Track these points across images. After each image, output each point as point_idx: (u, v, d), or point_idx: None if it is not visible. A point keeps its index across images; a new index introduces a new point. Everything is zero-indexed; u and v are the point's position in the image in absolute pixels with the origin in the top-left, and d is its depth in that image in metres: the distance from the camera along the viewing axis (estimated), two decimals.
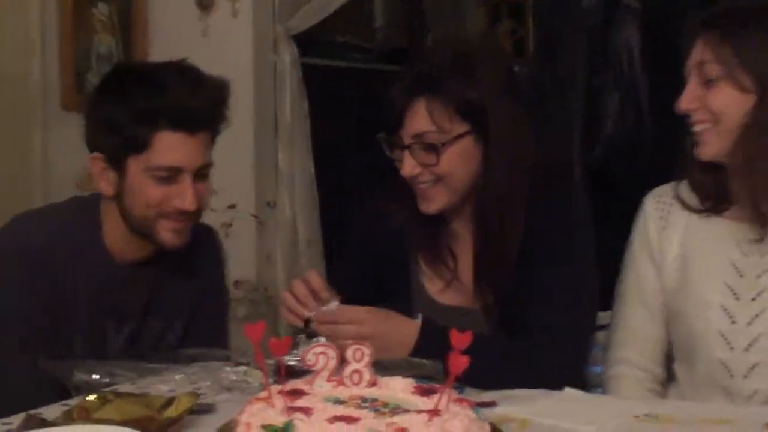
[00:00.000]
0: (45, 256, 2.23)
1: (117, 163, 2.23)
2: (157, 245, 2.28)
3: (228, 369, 1.91)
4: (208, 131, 2.26)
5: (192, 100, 2.21)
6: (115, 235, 2.30)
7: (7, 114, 4.08)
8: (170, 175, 2.20)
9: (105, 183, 2.26)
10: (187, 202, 2.21)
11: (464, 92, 2.10)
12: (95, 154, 2.25)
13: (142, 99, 2.20)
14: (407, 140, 2.12)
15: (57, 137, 4.20)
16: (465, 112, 2.10)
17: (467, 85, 2.10)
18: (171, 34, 4.12)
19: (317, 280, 2.13)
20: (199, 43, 4.02)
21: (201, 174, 2.25)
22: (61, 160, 4.16)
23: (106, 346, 2.30)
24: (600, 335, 2.31)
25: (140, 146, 2.18)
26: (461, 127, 2.10)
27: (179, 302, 2.42)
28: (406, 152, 2.12)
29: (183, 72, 2.24)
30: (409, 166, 2.12)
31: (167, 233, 2.24)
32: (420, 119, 2.10)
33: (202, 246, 2.46)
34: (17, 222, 2.34)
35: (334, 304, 2.06)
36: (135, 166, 2.20)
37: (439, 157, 2.09)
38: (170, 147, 2.19)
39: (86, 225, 2.31)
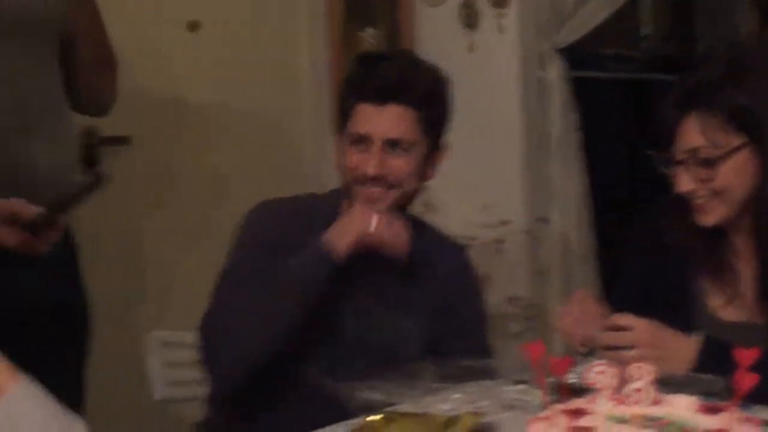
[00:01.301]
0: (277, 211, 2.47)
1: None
2: None
3: (507, 387, 1.91)
4: (399, 103, 2.35)
5: (378, 74, 2.38)
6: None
7: (279, 148, 4.17)
8: (361, 142, 2.35)
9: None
10: (371, 167, 2.32)
11: (739, 103, 2.04)
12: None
13: (352, 77, 2.47)
14: (680, 156, 2.08)
15: (329, 160, 4.18)
16: (740, 123, 2.04)
17: (742, 96, 2.05)
18: (438, 52, 3.94)
19: (590, 302, 2.14)
20: (466, 59, 4.01)
21: (394, 146, 2.35)
22: (334, 183, 4.19)
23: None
24: None
25: (346, 118, 2.39)
26: (737, 140, 2.04)
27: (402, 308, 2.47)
28: (681, 168, 2.08)
29: (395, 54, 2.55)
30: (684, 183, 2.08)
31: (361, 201, 2.36)
32: (693, 135, 2.06)
33: (444, 256, 2.54)
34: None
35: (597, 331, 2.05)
36: (344, 136, 2.41)
37: (714, 173, 2.04)
38: (362, 117, 2.36)
39: (329, 207, 2.48)
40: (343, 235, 2.27)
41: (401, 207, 2.42)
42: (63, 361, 2.58)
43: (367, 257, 2.37)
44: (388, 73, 2.39)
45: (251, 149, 3.95)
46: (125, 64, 3.60)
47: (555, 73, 3.98)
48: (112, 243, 3.56)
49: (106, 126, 3.51)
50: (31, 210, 2.16)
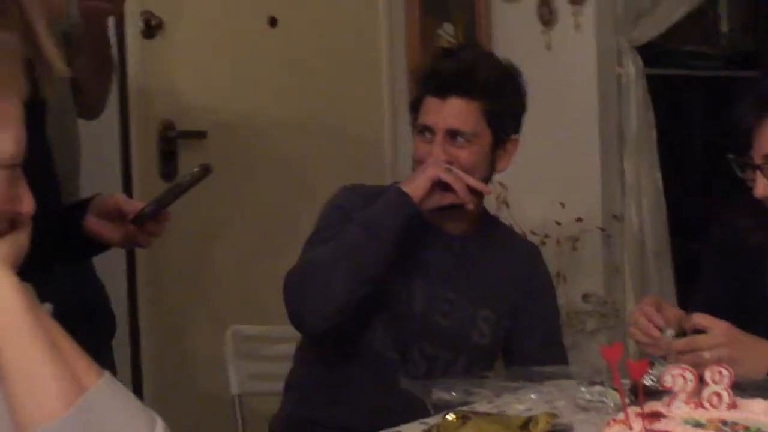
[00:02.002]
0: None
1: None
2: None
3: (583, 389, 1.91)
4: (460, 95, 2.39)
5: (440, 68, 2.47)
6: None
7: (356, 142, 4.18)
8: (426, 133, 2.42)
9: None
10: (433, 156, 2.37)
11: None
12: None
13: (425, 73, 2.53)
14: (758, 160, 2.06)
15: (407, 153, 4.21)
16: None
17: None
18: (515, 49, 3.92)
19: (663, 305, 2.13)
20: (543, 56, 4.02)
21: (454, 136, 2.39)
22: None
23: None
24: None
25: (414, 112, 2.47)
26: None
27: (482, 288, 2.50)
28: (758, 173, 2.06)
29: (461, 49, 2.58)
30: (762, 187, 2.06)
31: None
32: None
33: (518, 249, 2.59)
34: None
35: (670, 332, 2.05)
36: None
37: None
38: (427, 109, 2.43)
39: None
40: (415, 179, 2.33)
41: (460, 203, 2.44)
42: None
43: (443, 242, 2.43)
44: (451, 66, 2.46)
45: (329, 143, 3.97)
46: (205, 58, 3.64)
47: (632, 70, 3.97)
48: (190, 237, 3.60)
49: (184, 120, 3.57)
50: (135, 204, 2.18)
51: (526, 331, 2.50)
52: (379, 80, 4.20)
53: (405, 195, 2.32)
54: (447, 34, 4.25)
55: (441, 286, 2.44)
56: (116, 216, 2.14)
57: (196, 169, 2.17)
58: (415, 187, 2.31)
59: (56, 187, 2.29)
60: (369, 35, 4.18)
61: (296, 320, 2.35)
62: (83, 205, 2.10)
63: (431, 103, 2.42)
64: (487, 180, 2.47)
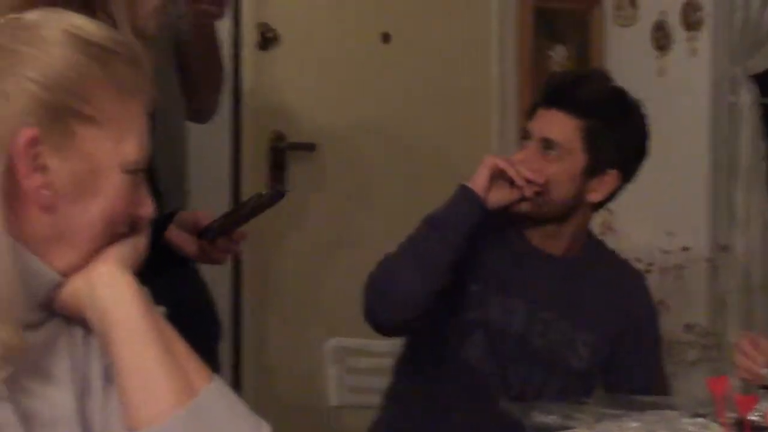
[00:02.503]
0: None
1: None
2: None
3: (686, 420, 1.90)
4: (562, 109, 2.41)
5: (552, 82, 2.56)
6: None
7: (465, 159, 4.15)
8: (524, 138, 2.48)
9: None
10: (518, 155, 2.43)
11: None
12: None
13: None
14: None
15: None
16: None
17: None
18: (627, 74, 3.91)
19: (755, 346, 2.11)
20: (655, 82, 4.02)
21: (547, 147, 2.40)
22: None
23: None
24: None
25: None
26: None
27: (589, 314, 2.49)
28: None
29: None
30: None
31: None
32: None
33: (623, 275, 2.58)
34: None
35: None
36: None
37: None
38: (535, 119, 2.45)
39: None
40: (478, 173, 2.35)
41: (548, 218, 2.45)
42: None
43: (546, 263, 2.44)
44: (562, 79, 2.56)
45: (437, 161, 3.99)
46: (318, 71, 3.72)
47: (747, 98, 3.96)
48: (295, 247, 3.66)
49: (294, 132, 3.65)
50: (207, 219, 2.22)
51: (629, 359, 2.49)
52: (488, 98, 4.21)
53: (467, 188, 2.35)
54: (558, 55, 4.27)
55: (542, 307, 2.44)
56: (194, 230, 2.19)
57: (269, 191, 2.20)
58: (476, 178, 2.35)
59: (159, 192, 2.34)
60: (481, 54, 4.19)
61: (370, 317, 2.39)
62: (168, 217, 2.15)
63: (537, 113, 2.46)
64: (572, 204, 2.45)
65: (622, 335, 2.49)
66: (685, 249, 3.81)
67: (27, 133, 1.29)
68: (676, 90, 3.96)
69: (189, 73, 2.87)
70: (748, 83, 3.96)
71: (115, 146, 1.33)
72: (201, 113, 2.99)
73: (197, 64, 2.85)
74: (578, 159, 2.40)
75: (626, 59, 4.18)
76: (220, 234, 2.17)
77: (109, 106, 1.33)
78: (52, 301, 1.36)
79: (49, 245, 1.34)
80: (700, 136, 3.95)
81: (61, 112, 1.31)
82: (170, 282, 2.16)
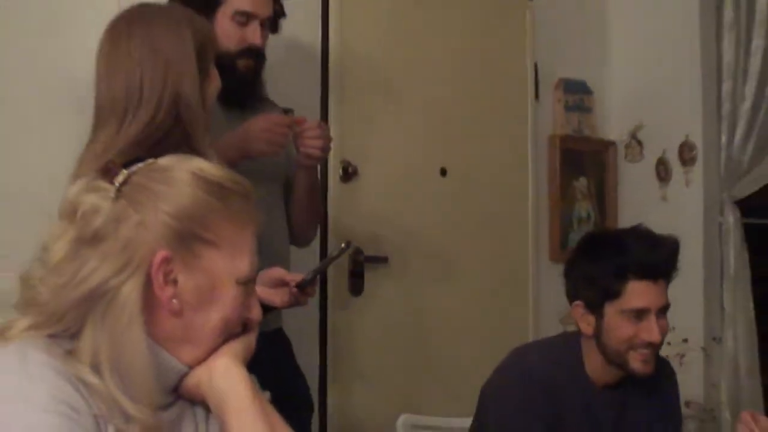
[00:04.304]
0: (544, 381, 2.53)
1: (594, 309, 2.56)
2: (628, 373, 2.55)
3: None
4: (665, 278, 2.53)
5: (653, 255, 2.51)
6: (594, 364, 2.59)
7: (507, 265, 4.23)
8: (639, 314, 2.49)
9: (585, 324, 2.59)
10: (654, 335, 2.49)
11: None
12: (577, 302, 2.60)
13: (614, 258, 2.52)
14: None
15: (545, 282, 4.26)
16: None
17: None
18: (635, 201, 4.34)
19: (756, 420, 2.29)
20: (659, 207, 4.28)
21: (662, 313, 2.52)
22: (547, 301, 4.23)
23: None
24: None
25: (614, 295, 2.51)
26: None
27: (642, 422, 2.63)
28: None
29: (641, 234, 2.55)
30: None
31: (637, 363, 2.51)
32: None
33: (662, 374, 2.66)
34: (519, 353, 2.67)
35: None
36: (611, 310, 2.52)
37: None
38: (639, 293, 2.49)
39: (573, 356, 2.61)
40: None
41: None
42: None
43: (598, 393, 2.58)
44: (661, 254, 2.52)
45: (484, 269, 4.09)
46: (389, 198, 3.91)
47: (732, 219, 4.22)
48: (372, 333, 3.75)
49: (370, 247, 3.77)
50: (294, 275, 2.38)
51: None
52: (526, 221, 4.32)
53: None
54: (581, 184, 4.46)
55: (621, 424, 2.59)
56: (279, 284, 2.37)
57: (343, 245, 2.41)
58: None
59: None
60: (520, 188, 4.31)
61: None
62: None
63: (641, 286, 2.50)
64: None
65: (666, 417, 2.69)
66: (685, 340, 3.97)
67: (162, 254, 1.34)
68: (675, 213, 4.20)
69: (293, 207, 2.96)
70: (732, 207, 4.23)
71: (230, 264, 1.39)
72: (300, 241, 3.05)
73: (300, 202, 2.91)
74: None
75: (635, 189, 4.44)
76: (311, 284, 2.40)
77: (226, 232, 1.38)
78: (179, 387, 1.43)
79: (177, 343, 1.38)
80: (695, 250, 4.12)
81: (188, 238, 1.36)
82: (275, 369, 2.45)
